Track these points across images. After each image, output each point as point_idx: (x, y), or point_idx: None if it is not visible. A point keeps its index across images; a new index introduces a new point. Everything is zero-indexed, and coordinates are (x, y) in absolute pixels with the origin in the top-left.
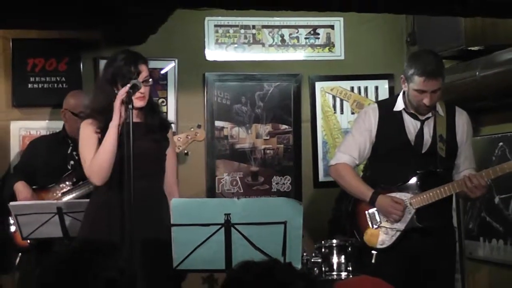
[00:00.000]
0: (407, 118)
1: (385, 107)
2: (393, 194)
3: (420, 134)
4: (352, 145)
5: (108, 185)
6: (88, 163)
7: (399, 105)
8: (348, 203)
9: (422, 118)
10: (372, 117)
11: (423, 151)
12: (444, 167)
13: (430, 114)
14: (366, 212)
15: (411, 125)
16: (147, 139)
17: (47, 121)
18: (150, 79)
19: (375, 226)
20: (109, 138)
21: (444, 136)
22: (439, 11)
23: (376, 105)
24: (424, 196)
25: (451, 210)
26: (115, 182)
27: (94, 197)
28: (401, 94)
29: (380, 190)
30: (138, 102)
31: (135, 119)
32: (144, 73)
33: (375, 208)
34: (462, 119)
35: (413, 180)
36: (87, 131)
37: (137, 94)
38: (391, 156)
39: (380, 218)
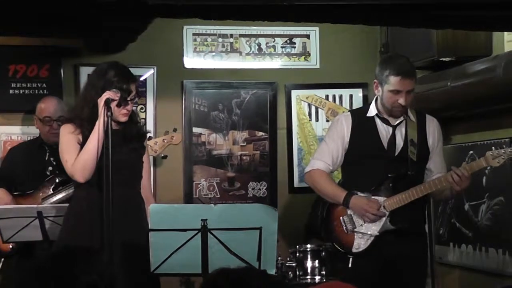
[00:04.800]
0: (379, 123)
1: (357, 114)
2: None
3: (392, 138)
4: (325, 152)
5: (87, 190)
6: (71, 163)
7: (372, 111)
8: (323, 209)
9: (394, 123)
10: (344, 124)
11: (395, 155)
12: (415, 170)
13: (402, 119)
14: (341, 217)
15: (383, 130)
16: (125, 147)
17: (28, 126)
18: (136, 98)
19: (349, 232)
20: (93, 139)
21: (415, 140)
22: (412, 23)
23: (349, 113)
24: (397, 198)
25: (424, 216)
26: (95, 188)
27: (73, 203)
28: (373, 101)
29: (354, 193)
30: (122, 117)
31: (114, 127)
32: (133, 92)
33: (349, 212)
34: (432, 125)
35: (386, 184)
36: (68, 137)
37: (123, 111)
38: (364, 161)
39: (355, 222)
